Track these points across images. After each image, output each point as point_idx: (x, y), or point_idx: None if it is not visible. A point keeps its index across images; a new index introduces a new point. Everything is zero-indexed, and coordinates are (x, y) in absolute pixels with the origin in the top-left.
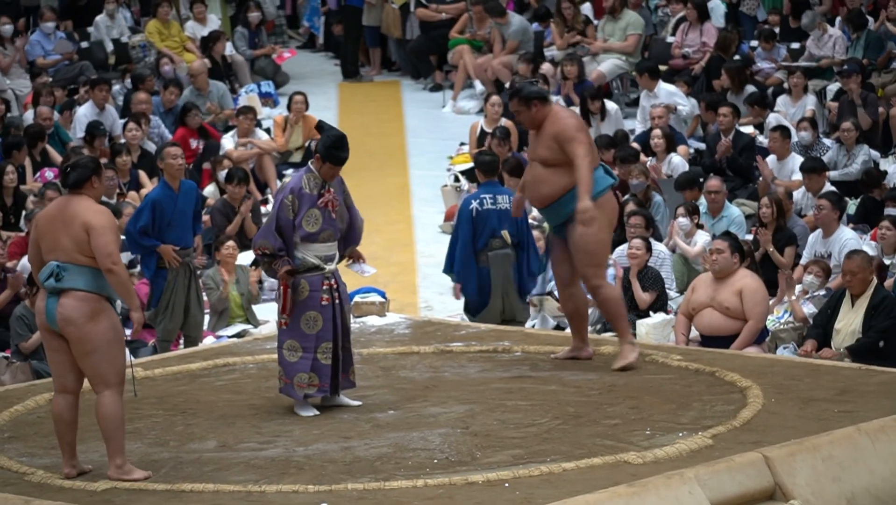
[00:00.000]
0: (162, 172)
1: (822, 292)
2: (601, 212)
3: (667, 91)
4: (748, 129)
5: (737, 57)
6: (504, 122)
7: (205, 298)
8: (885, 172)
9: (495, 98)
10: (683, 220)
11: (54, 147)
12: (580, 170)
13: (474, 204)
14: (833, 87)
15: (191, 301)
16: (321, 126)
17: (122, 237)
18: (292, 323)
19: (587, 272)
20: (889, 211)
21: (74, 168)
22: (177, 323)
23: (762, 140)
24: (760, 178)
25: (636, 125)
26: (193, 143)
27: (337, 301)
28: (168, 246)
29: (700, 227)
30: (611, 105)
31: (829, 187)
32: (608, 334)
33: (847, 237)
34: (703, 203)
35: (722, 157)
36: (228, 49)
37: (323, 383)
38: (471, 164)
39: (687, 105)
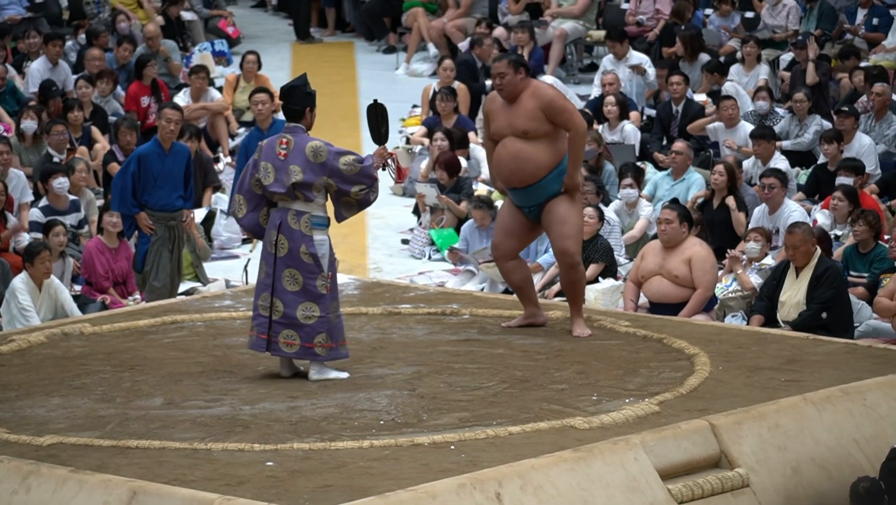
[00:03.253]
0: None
1: (771, 263)
2: None
3: (637, 57)
4: (700, 98)
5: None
6: (457, 84)
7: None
8: None
9: (448, 62)
10: (631, 191)
11: (7, 103)
12: (579, 140)
13: None
14: (786, 57)
15: (173, 266)
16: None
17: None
18: (333, 283)
19: (571, 247)
20: (841, 180)
21: None
22: (164, 284)
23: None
24: (720, 148)
25: (592, 90)
26: (145, 101)
27: None
28: (143, 214)
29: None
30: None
31: (780, 157)
32: (557, 299)
33: (792, 210)
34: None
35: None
36: (189, 15)
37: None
38: (419, 127)
39: (653, 70)
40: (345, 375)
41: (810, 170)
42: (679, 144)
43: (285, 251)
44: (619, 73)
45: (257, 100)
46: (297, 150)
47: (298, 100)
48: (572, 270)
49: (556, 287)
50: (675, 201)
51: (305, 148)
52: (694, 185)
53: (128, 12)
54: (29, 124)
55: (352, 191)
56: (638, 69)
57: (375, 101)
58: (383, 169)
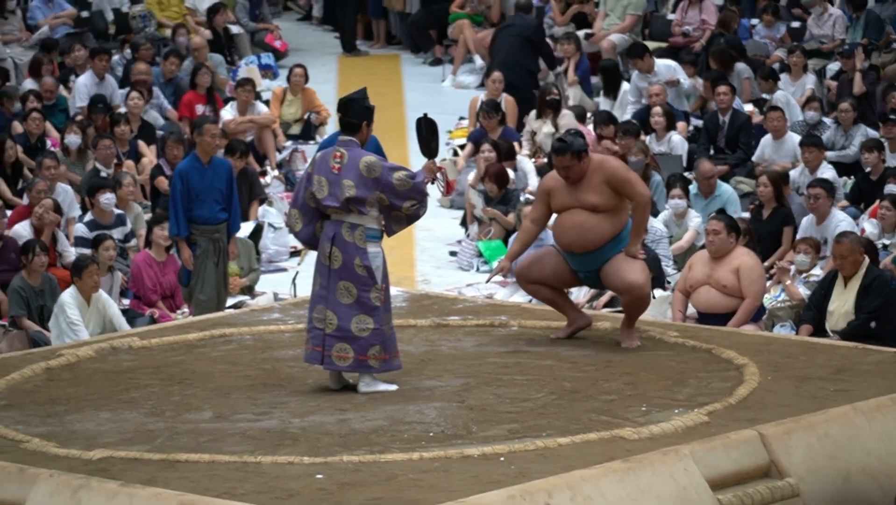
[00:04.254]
0: (195, 147)
1: (819, 273)
2: None
3: (665, 66)
4: (747, 108)
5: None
6: (504, 97)
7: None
8: None
9: (496, 74)
10: (679, 202)
11: (56, 118)
12: (642, 210)
13: None
14: (833, 67)
15: (218, 278)
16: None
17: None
18: (386, 295)
19: (640, 279)
20: (890, 189)
21: None
22: (210, 297)
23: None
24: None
25: (626, 109)
26: (199, 109)
27: None
28: (187, 251)
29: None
30: (625, 86)
31: (827, 166)
32: (606, 310)
33: (840, 219)
34: (694, 185)
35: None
36: (235, 29)
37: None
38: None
39: (687, 79)
40: (394, 387)
41: (854, 180)
42: (705, 168)
43: (339, 263)
44: (641, 86)
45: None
46: (351, 165)
47: (356, 113)
48: (640, 300)
49: (605, 298)
50: (721, 212)
51: (359, 163)
52: (728, 200)
53: (173, 25)
54: (73, 139)
55: (403, 206)
56: (671, 82)
57: (426, 115)
58: (432, 183)
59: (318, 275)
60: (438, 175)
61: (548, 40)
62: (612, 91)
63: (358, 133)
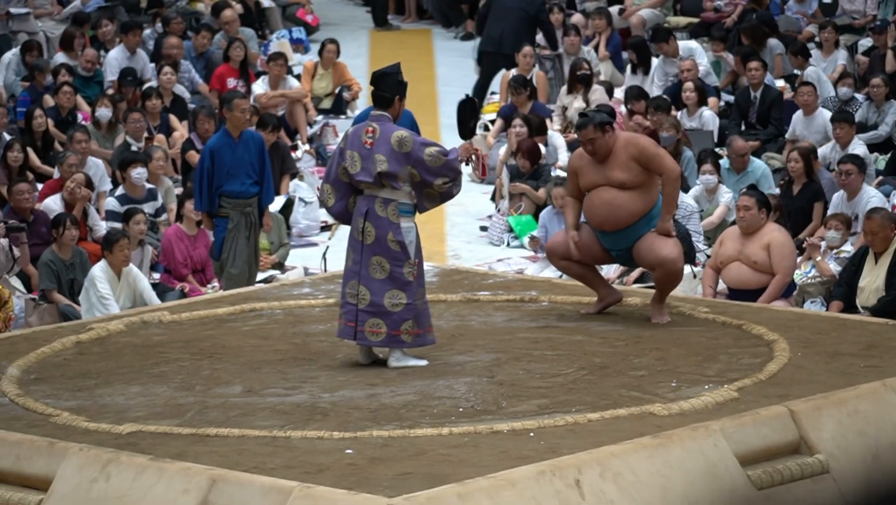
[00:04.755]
0: (225, 121)
1: (849, 250)
2: None
3: (687, 48)
4: (779, 83)
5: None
6: (536, 71)
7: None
8: None
9: (527, 48)
10: (710, 177)
11: (93, 90)
12: (672, 185)
13: None
14: (865, 42)
15: (250, 252)
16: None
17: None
18: (419, 270)
19: (672, 253)
20: None
21: None
22: (241, 271)
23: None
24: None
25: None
26: (231, 83)
27: None
28: (207, 217)
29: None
30: (655, 62)
31: (858, 142)
32: (636, 285)
33: (871, 195)
34: (725, 160)
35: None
36: (267, 3)
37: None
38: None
39: (705, 62)
40: (424, 362)
41: (889, 155)
42: (739, 145)
43: (372, 239)
44: (666, 70)
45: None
46: (383, 139)
47: (389, 87)
48: (673, 275)
49: (635, 274)
50: (752, 187)
51: (391, 137)
52: (761, 175)
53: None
54: (104, 112)
55: (435, 183)
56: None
57: (468, 96)
58: (467, 164)
59: (351, 250)
60: (473, 157)
61: (578, 14)
62: (643, 66)
63: (390, 108)
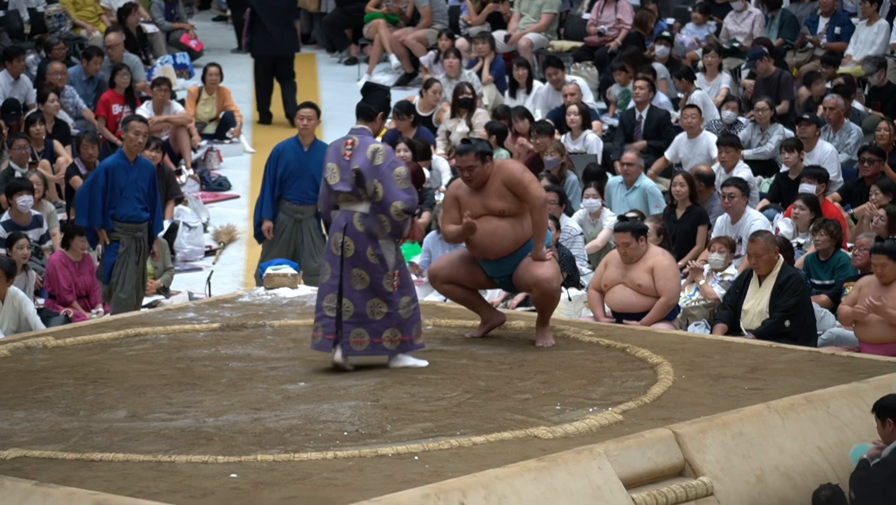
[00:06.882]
0: (122, 142)
1: (733, 272)
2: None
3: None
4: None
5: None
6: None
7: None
8: None
9: (437, 85)
10: (594, 201)
11: None
12: (537, 212)
13: None
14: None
15: (138, 277)
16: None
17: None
18: (401, 280)
19: (547, 273)
20: (804, 187)
21: None
22: (130, 295)
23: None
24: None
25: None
26: (116, 109)
27: None
28: (103, 232)
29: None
30: (538, 85)
31: (743, 165)
32: (520, 309)
33: (755, 218)
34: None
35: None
36: (151, 28)
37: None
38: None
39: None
40: (424, 363)
41: (772, 178)
42: (629, 155)
43: (352, 252)
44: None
45: (303, 115)
46: (361, 150)
47: (375, 100)
48: (549, 294)
49: (519, 297)
50: (622, 218)
51: (367, 149)
52: (649, 192)
53: (86, 25)
54: None
55: (393, 203)
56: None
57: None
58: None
59: (329, 264)
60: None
61: (462, 39)
62: (527, 87)
63: (372, 122)
